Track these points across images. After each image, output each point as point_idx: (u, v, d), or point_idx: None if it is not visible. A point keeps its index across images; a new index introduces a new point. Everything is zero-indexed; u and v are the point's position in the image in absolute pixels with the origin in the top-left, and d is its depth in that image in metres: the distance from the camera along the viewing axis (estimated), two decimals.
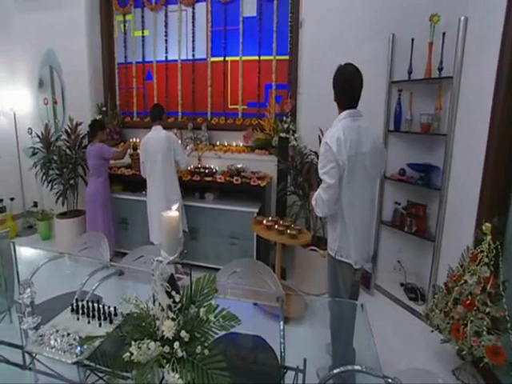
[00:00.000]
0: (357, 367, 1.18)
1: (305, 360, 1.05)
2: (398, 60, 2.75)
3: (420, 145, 2.80)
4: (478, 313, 1.78)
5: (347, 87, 1.67)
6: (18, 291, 1.15)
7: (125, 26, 3.99)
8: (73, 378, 1.09)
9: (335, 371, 1.13)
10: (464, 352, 1.83)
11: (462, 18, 2.26)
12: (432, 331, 2.04)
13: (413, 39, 2.63)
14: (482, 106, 2.08)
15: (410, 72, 2.67)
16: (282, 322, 1.38)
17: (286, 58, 3.43)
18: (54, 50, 3.97)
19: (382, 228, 3.00)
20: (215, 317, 0.93)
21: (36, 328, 1.11)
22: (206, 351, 0.86)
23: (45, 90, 4.14)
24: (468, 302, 1.82)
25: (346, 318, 1.67)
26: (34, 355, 1.08)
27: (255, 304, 2.26)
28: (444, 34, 2.48)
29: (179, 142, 3.01)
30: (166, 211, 0.96)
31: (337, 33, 2.97)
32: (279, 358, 1.27)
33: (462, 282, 1.89)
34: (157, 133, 2.86)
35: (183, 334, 0.88)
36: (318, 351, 2.01)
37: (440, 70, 2.49)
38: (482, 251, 1.85)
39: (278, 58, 3.46)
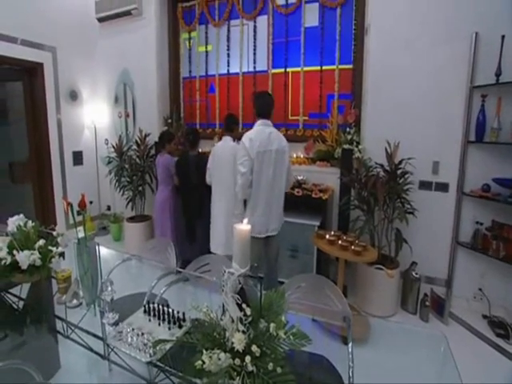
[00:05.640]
0: None
1: None
2: (482, 62, 2.48)
3: (510, 157, 2.46)
4: None
5: (265, 105, 2.34)
6: (101, 288, 1.24)
7: (190, 42, 4.26)
8: (142, 374, 1.13)
9: None
10: None
11: None
12: None
13: (503, 36, 2.35)
14: None
15: (498, 74, 2.39)
16: (350, 344, 1.28)
17: (350, 67, 3.33)
18: (129, 69, 4.41)
19: (458, 249, 2.68)
20: (285, 333, 0.90)
21: (115, 324, 1.18)
22: (279, 369, 0.83)
23: (119, 104, 4.61)
24: None
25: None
26: (112, 348, 1.16)
27: (314, 320, 2.17)
28: None
29: None
30: (238, 224, 0.96)
31: (407, 37, 2.79)
32: (347, 382, 1.18)
33: None
34: (225, 143, 2.91)
35: (254, 348, 0.85)
36: (385, 377, 1.83)
37: None
38: None
39: (341, 67, 3.37)
